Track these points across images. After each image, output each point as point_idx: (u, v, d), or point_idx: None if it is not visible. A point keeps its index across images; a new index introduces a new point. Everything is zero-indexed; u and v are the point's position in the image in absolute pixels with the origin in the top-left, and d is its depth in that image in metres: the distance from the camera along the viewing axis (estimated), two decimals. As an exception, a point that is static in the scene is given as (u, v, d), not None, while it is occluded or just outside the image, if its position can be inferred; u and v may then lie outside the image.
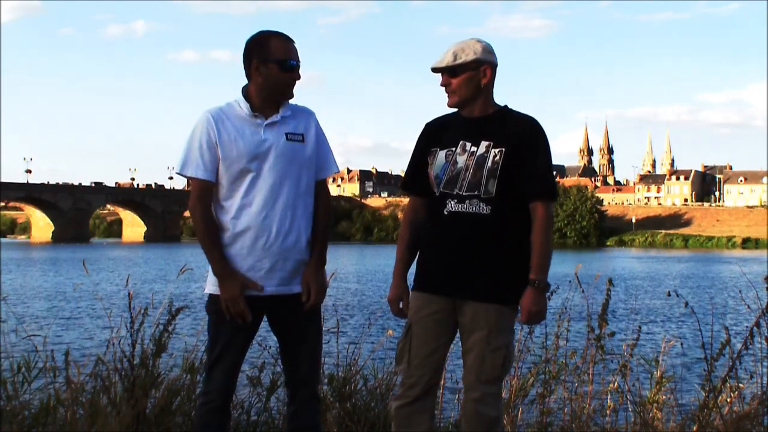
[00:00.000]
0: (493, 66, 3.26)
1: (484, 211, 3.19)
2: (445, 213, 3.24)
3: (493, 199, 3.18)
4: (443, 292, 3.25)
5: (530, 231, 3.21)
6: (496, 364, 3.20)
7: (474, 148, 3.23)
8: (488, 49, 3.25)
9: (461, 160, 3.24)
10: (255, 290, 3.21)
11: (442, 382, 4.46)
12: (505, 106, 3.31)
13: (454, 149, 3.27)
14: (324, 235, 3.34)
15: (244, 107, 3.24)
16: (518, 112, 3.30)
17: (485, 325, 3.19)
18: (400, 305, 3.34)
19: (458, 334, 3.33)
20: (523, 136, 3.20)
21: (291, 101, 3.32)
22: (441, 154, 3.29)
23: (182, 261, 5.41)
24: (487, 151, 3.20)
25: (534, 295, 3.16)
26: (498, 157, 3.18)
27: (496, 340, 3.19)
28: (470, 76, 3.23)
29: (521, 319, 3.20)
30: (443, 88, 3.29)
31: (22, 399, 4.14)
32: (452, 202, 3.23)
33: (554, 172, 3.37)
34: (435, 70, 3.28)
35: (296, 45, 3.28)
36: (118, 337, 4.20)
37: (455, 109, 3.34)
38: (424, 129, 3.42)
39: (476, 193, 3.20)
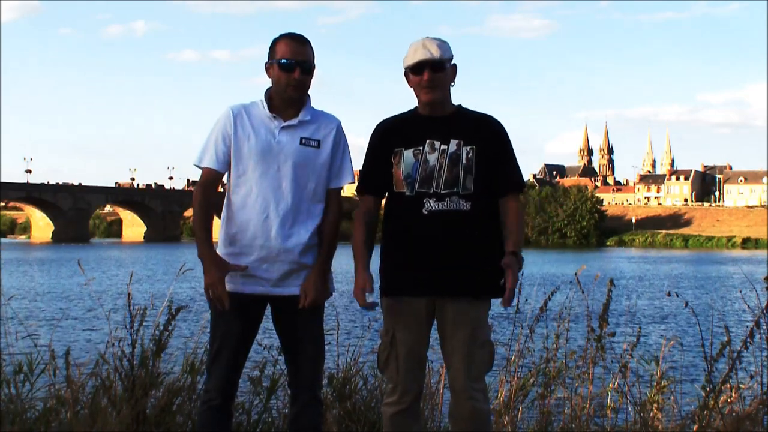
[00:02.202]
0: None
1: (465, 208, 3.22)
2: (425, 212, 3.23)
3: (472, 195, 3.22)
4: (423, 293, 3.24)
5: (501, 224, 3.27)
6: (485, 360, 3.24)
7: (444, 146, 3.24)
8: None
9: (432, 158, 3.24)
10: (238, 270, 3.22)
11: (441, 383, 4.47)
12: (460, 105, 3.35)
13: (422, 148, 3.26)
14: (331, 243, 3.35)
15: (265, 107, 3.30)
16: (474, 111, 3.35)
17: (469, 322, 3.20)
18: (366, 295, 3.22)
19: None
20: (490, 134, 3.28)
21: (316, 107, 3.37)
22: (407, 153, 3.27)
23: (182, 261, 5.40)
24: (459, 148, 3.23)
25: (515, 265, 3.18)
26: (471, 154, 3.23)
27: (482, 335, 3.23)
28: (447, 72, 3.26)
29: (506, 294, 3.16)
30: (414, 85, 3.27)
31: (24, 399, 4.15)
32: (430, 201, 3.23)
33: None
34: (422, 63, 3.22)
35: (306, 47, 3.29)
36: (117, 337, 4.20)
37: (406, 110, 3.37)
38: (378, 129, 3.39)
39: (455, 190, 3.21)
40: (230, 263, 3.23)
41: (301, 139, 3.28)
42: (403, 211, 3.28)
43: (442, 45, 3.25)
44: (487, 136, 3.27)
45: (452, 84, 3.30)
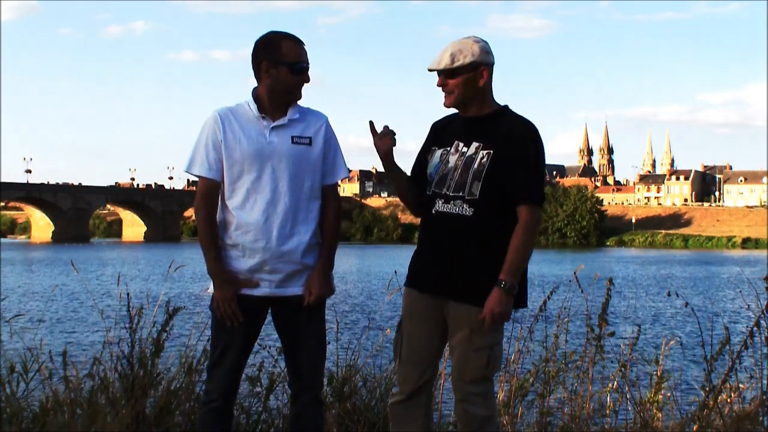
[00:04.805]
0: (490, 66, 3.24)
1: (467, 213, 3.18)
2: (433, 212, 3.26)
3: (476, 201, 3.17)
4: (429, 291, 3.27)
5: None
6: (480, 364, 3.18)
7: (465, 149, 3.23)
8: (486, 50, 3.22)
9: (452, 160, 3.24)
10: (249, 287, 3.23)
11: (442, 381, 4.46)
12: (505, 106, 3.29)
13: (449, 149, 3.28)
14: (332, 239, 3.34)
15: (252, 109, 3.25)
16: (515, 115, 3.26)
17: (467, 324, 3.17)
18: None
19: None
20: (513, 139, 3.17)
21: (302, 104, 3.33)
22: (437, 154, 3.31)
23: (181, 261, 5.40)
24: (476, 152, 3.20)
25: (499, 295, 3.11)
26: (485, 159, 3.17)
27: (479, 340, 3.17)
28: (468, 78, 3.21)
29: (481, 318, 3.13)
30: (440, 88, 3.28)
31: (21, 399, 4.14)
32: (440, 202, 3.24)
33: (545, 177, 3.34)
34: (432, 70, 3.27)
35: (306, 46, 3.28)
36: (115, 337, 4.20)
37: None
38: (431, 127, 3.44)
39: (461, 194, 3.19)
40: (241, 279, 3.22)
41: (293, 137, 3.25)
42: (424, 210, 3.34)
43: (464, 51, 3.18)
44: (510, 141, 3.16)
45: (480, 85, 3.21)
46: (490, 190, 3.16)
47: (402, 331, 3.34)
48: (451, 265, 3.20)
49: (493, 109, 3.27)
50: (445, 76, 3.23)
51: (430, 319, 3.28)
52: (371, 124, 3.33)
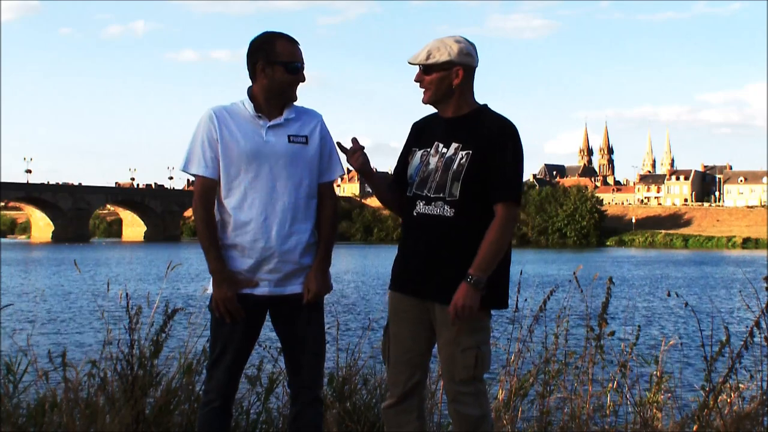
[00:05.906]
0: (468, 68, 3.21)
1: (448, 214, 3.16)
2: (414, 214, 3.24)
3: (457, 202, 3.15)
4: (413, 294, 3.25)
5: None
6: (468, 365, 3.16)
7: (445, 150, 3.22)
8: (465, 51, 3.19)
9: (433, 161, 3.23)
10: (249, 287, 3.22)
11: (442, 382, 4.45)
12: (484, 105, 3.27)
13: (429, 150, 3.26)
14: (329, 237, 3.34)
15: (248, 108, 3.24)
16: (493, 113, 3.24)
17: (452, 325, 3.15)
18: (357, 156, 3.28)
19: None
20: (492, 138, 3.15)
21: (297, 103, 3.33)
22: (418, 155, 3.29)
23: (181, 260, 5.40)
24: (456, 153, 3.18)
25: (465, 289, 3.07)
26: (464, 160, 3.15)
27: (466, 341, 3.15)
28: (441, 76, 3.19)
29: (448, 312, 3.11)
30: (417, 83, 3.27)
31: (18, 399, 4.13)
32: (421, 204, 3.22)
33: (523, 175, 3.30)
34: (411, 64, 3.26)
35: (300, 46, 3.28)
36: (113, 337, 4.19)
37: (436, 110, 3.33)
38: (411, 128, 3.41)
39: (441, 195, 3.18)
40: (242, 279, 3.22)
41: (289, 136, 3.25)
42: (404, 212, 3.31)
43: (441, 49, 3.18)
44: (488, 140, 3.15)
45: (454, 84, 3.19)
46: (470, 191, 3.14)
47: (388, 335, 3.32)
48: (433, 267, 3.18)
49: (472, 109, 3.25)
50: (423, 71, 3.23)
51: (416, 321, 3.26)
52: (338, 144, 3.34)
